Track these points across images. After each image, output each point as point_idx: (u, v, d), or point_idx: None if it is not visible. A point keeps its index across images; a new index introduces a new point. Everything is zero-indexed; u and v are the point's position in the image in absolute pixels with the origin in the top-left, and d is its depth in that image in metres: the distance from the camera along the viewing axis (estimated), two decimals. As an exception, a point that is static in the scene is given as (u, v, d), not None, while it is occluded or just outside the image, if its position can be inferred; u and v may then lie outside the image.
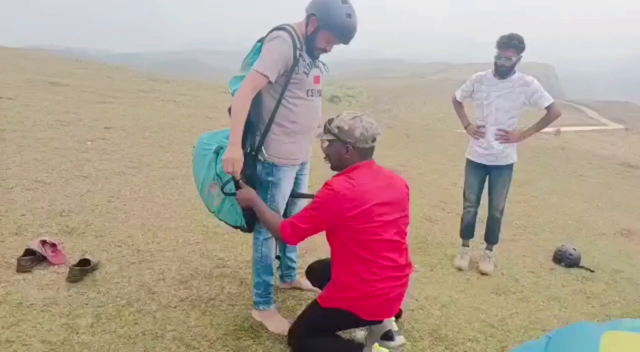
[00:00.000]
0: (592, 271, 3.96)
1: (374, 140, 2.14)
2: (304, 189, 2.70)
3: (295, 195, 2.62)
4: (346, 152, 2.12)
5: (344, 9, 2.24)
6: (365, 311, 2.12)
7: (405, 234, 2.22)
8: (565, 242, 4.40)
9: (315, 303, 2.25)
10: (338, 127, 2.11)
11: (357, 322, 2.21)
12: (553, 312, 3.19)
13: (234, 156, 2.23)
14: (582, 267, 4.00)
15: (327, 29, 2.27)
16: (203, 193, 2.54)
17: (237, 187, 2.33)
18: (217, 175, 2.42)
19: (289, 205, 2.58)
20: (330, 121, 2.17)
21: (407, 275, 2.22)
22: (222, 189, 2.40)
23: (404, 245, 2.21)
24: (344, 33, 2.29)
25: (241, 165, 2.26)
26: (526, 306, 3.23)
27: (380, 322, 2.28)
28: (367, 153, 2.16)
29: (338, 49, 2.44)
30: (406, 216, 2.23)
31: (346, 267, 2.11)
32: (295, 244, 2.43)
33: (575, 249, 4.07)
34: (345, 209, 2.01)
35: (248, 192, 2.30)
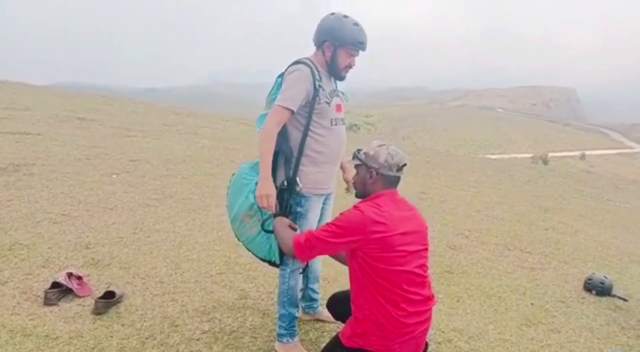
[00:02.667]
0: (625, 300, 3.81)
1: (399, 169, 2.13)
2: (328, 217, 2.69)
3: None
4: (370, 177, 2.13)
5: (349, 21, 2.34)
6: (387, 349, 2.02)
7: (427, 267, 2.16)
8: (595, 270, 4.27)
9: (337, 340, 2.17)
10: (365, 153, 2.15)
11: None
12: (586, 343, 3.07)
13: (268, 192, 2.25)
14: (614, 295, 3.86)
15: (343, 45, 2.35)
16: (235, 222, 2.51)
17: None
18: (257, 206, 2.37)
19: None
20: (359, 149, 2.20)
21: (431, 308, 2.14)
22: (262, 225, 2.37)
23: (427, 278, 2.14)
24: (360, 40, 2.36)
25: (274, 199, 2.27)
26: (557, 337, 3.12)
27: None
28: (391, 182, 2.14)
29: (355, 78, 2.49)
30: (427, 249, 2.17)
31: (368, 297, 2.02)
32: (305, 259, 2.17)
33: (606, 277, 3.94)
34: (371, 231, 1.97)
35: (281, 220, 2.30)
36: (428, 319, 2.11)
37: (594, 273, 4.03)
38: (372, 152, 2.13)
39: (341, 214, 2.06)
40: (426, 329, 2.11)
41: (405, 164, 2.14)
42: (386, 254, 1.99)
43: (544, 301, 3.69)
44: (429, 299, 2.12)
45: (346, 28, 2.33)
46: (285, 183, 2.37)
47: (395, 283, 1.99)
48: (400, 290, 2.00)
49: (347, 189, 2.69)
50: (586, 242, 5.58)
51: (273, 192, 2.27)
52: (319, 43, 2.39)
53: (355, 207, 2.07)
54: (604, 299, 3.81)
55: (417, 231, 2.11)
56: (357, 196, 2.23)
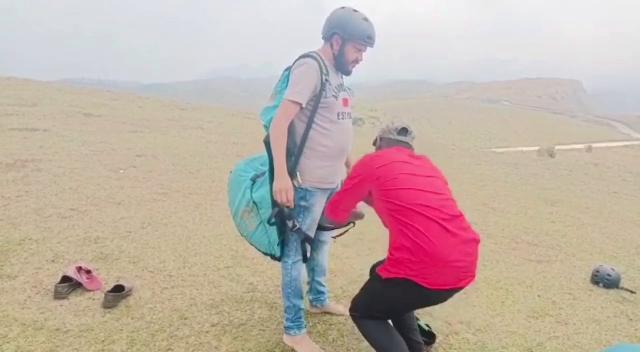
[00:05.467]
0: (633, 292, 3.80)
1: (399, 132, 2.35)
2: None
3: (336, 235, 2.68)
4: (376, 143, 2.46)
5: (359, 15, 2.34)
6: (427, 279, 1.97)
7: (450, 191, 2.20)
8: (602, 262, 4.26)
9: (375, 275, 2.18)
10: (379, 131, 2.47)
11: (421, 294, 2.02)
12: (593, 335, 3.07)
13: (285, 186, 2.26)
14: (622, 288, 3.85)
15: (352, 39, 2.34)
16: (236, 217, 2.57)
17: (283, 216, 2.34)
18: (253, 202, 2.44)
19: (316, 229, 2.58)
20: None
21: (468, 241, 2.05)
22: (268, 221, 2.38)
23: (451, 198, 2.16)
24: (369, 35, 2.36)
25: (292, 194, 2.29)
26: (564, 329, 3.12)
27: (447, 292, 2.06)
28: (391, 144, 2.35)
29: (360, 72, 2.50)
30: (442, 179, 2.25)
31: (397, 228, 2.05)
32: (343, 217, 2.35)
33: (613, 269, 3.93)
34: (374, 166, 2.18)
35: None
36: (469, 254, 2.03)
37: (601, 265, 4.02)
38: (383, 125, 2.44)
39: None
40: (466, 258, 2.02)
41: (403, 128, 2.36)
42: (398, 179, 2.11)
43: (551, 293, 3.68)
44: (469, 235, 2.06)
45: (356, 22, 2.32)
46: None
47: (415, 205, 2.03)
48: (420, 211, 2.03)
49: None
50: (593, 235, 5.56)
51: (290, 187, 2.27)
52: (328, 36, 2.38)
53: None
54: (611, 291, 3.81)
55: (425, 169, 2.24)
56: None
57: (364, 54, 2.44)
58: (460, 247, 2.01)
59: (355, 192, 2.24)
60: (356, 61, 2.43)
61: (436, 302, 2.15)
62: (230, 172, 2.62)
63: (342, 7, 2.38)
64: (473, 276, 2.07)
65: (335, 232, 2.74)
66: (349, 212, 2.31)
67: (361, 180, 2.20)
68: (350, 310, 2.27)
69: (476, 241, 2.08)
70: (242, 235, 2.61)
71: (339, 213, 2.30)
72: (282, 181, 2.26)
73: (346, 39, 2.34)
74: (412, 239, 1.99)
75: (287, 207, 2.30)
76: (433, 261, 1.96)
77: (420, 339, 2.38)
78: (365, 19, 2.35)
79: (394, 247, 2.06)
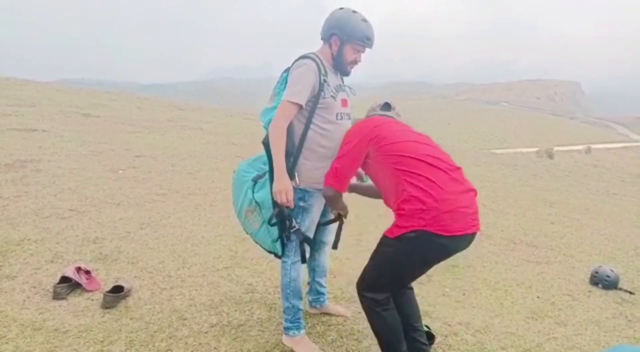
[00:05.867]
0: (632, 293, 3.80)
1: (382, 108, 2.45)
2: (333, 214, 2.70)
3: (323, 223, 2.64)
4: None
5: (357, 16, 2.35)
6: (441, 225, 1.97)
7: (451, 158, 2.20)
8: (601, 263, 4.26)
9: (383, 240, 2.15)
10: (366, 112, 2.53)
11: (436, 244, 2.02)
12: (592, 336, 3.07)
13: (284, 187, 2.26)
14: (620, 289, 3.85)
15: (351, 40, 2.35)
16: (241, 216, 2.58)
17: (283, 217, 2.34)
18: (255, 202, 2.45)
19: (317, 229, 2.59)
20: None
21: (470, 191, 2.11)
22: (269, 222, 2.40)
23: (446, 153, 2.19)
24: (368, 36, 2.37)
25: (292, 194, 2.29)
26: (563, 330, 3.12)
27: (461, 239, 2.06)
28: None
29: (358, 73, 2.51)
30: (439, 150, 2.23)
31: (400, 184, 2.06)
32: (344, 185, 2.29)
33: (612, 271, 3.93)
34: (368, 127, 2.25)
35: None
36: (471, 199, 2.09)
37: (600, 266, 4.02)
38: (368, 108, 2.53)
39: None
40: (472, 206, 2.07)
41: (386, 103, 2.46)
42: (395, 135, 2.19)
43: (550, 294, 3.69)
44: (465, 183, 2.13)
45: (355, 23, 2.33)
46: None
47: (417, 154, 2.10)
48: (423, 159, 2.08)
49: (358, 179, 2.73)
50: (592, 236, 5.57)
51: (290, 188, 2.28)
52: (327, 37, 2.38)
53: None
54: (610, 292, 3.81)
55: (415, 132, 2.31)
56: None
57: (362, 55, 2.45)
58: (466, 195, 2.07)
59: (354, 156, 2.23)
60: (355, 62, 2.44)
61: (450, 252, 2.12)
62: (234, 172, 2.63)
63: (341, 8, 2.38)
64: (479, 226, 2.11)
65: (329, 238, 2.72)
66: (349, 179, 2.30)
67: (358, 142, 2.21)
68: (360, 288, 2.23)
69: (475, 193, 2.15)
70: (247, 233, 2.62)
71: (341, 180, 2.25)
72: (282, 181, 2.26)
73: (345, 40, 2.34)
74: (421, 188, 2.00)
75: (287, 207, 2.30)
76: (444, 207, 1.97)
77: (425, 340, 2.38)
78: (364, 20, 2.35)
79: (401, 201, 2.04)
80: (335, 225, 2.66)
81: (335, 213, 2.58)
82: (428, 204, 1.97)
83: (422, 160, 2.08)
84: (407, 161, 2.08)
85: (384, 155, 2.15)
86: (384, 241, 2.15)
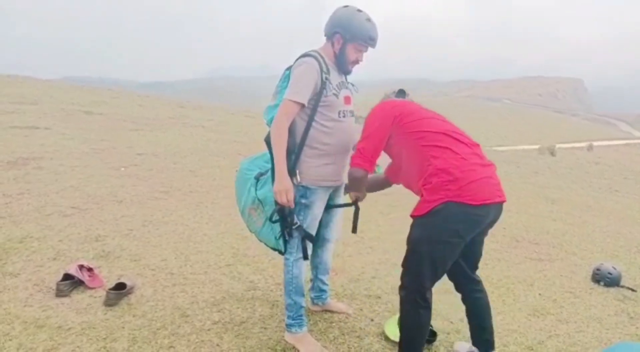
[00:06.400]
0: (634, 290, 3.80)
1: (397, 94, 2.52)
2: (340, 210, 2.70)
3: (337, 205, 2.63)
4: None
5: (362, 15, 2.34)
6: (470, 194, 2.01)
7: (466, 134, 2.25)
8: (603, 260, 4.25)
9: (413, 222, 2.16)
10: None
11: (467, 215, 2.04)
12: (594, 334, 3.07)
13: (285, 187, 2.25)
14: (622, 286, 3.85)
15: (353, 39, 2.34)
16: (244, 215, 2.59)
17: (284, 213, 2.34)
18: (258, 200, 2.46)
19: (320, 226, 2.59)
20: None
21: (491, 164, 2.19)
22: (270, 219, 2.41)
23: (475, 144, 2.23)
24: (371, 36, 2.36)
25: (293, 194, 2.28)
26: (565, 327, 3.12)
27: (490, 207, 2.11)
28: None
29: (361, 72, 2.50)
30: (457, 127, 2.28)
31: (425, 161, 2.10)
32: (371, 168, 2.29)
33: (614, 268, 3.93)
34: (390, 107, 2.28)
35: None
36: (494, 173, 2.18)
37: (602, 264, 4.02)
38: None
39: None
40: (495, 177, 2.16)
41: (401, 90, 2.53)
42: (417, 113, 2.25)
43: (552, 291, 3.69)
44: (480, 147, 2.25)
45: (359, 22, 2.32)
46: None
47: (440, 129, 2.17)
48: (446, 133, 2.16)
49: None
50: (594, 233, 5.56)
51: (291, 187, 2.27)
52: (330, 34, 2.38)
53: None
54: (612, 289, 3.81)
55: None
56: None
57: (364, 54, 2.44)
58: (488, 167, 2.14)
59: (379, 136, 2.24)
60: (356, 61, 2.43)
61: (480, 221, 2.13)
62: (237, 171, 2.63)
63: (346, 6, 2.37)
64: (505, 196, 2.17)
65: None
66: (377, 159, 2.29)
67: (381, 122, 2.24)
68: (404, 281, 2.20)
69: (495, 167, 2.22)
70: (251, 231, 2.62)
71: (368, 159, 2.25)
72: (282, 182, 2.25)
73: (348, 39, 2.34)
74: (447, 160, 2.06)
75: (288, 206, 2.30)
76: (470, 177, 2.03)
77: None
78: (368, 20, 2.34)
79: (428, 175, 2.08)
80: (339, 222, 2.66)
81: (353, 197, 2.58)
82: (454, 175, 2.02)
83: (446, 134, 2.15)
84: (431, 136, 2.14)
85: (407, 133, 2.19)
86: (415, 222, 2.16)
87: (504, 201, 2.15)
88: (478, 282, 2.42)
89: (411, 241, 2.17)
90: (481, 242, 2.34)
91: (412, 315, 2.19)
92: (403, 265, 2.22)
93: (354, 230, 2.69)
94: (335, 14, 2.37)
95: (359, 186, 2.43)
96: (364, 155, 2.24)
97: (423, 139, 2.14)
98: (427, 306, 2.18)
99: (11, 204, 4.20)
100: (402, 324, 2.24)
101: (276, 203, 2.35)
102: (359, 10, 2.35)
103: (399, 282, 2.23)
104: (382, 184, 2.66)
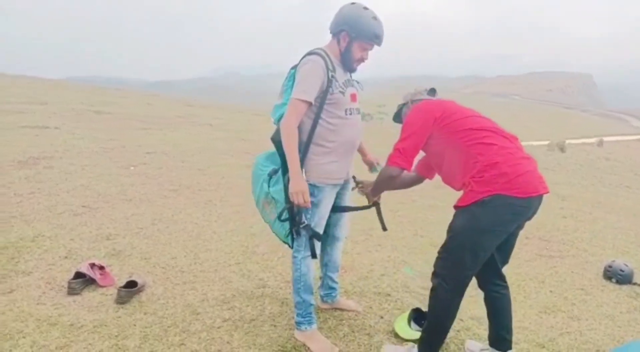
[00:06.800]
0: (646, 288, 3.76)
1: (429, 93, 2.49)
2: (347, 205, 2.70)
3: (339, 209, 2.63)
4: (405, 108, 2.51)
5: (368, 13, 2.32)
6: (518, 188, 2.06)
7: (506, 132, 2.27)
8: (615, 257, 4.22)
9: (455, 214, 2.20)
10: (402, 98, 2.56)
11: (514, 207, 2.09)
12: (606, 331, 3.05)
13: (301, 188, 2.25)
14: (635, 283, 3.82)
15: (360, 38, 2.33)
16: (259, 205, 2.59)
17: (293, 214, 2.35)
18: (271, 196, 2.45)
19: (329, 224, 2.58)
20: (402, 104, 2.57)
21: (531, 158, 2.22)
22: (279, 218, 2.41)
23: (511, 136, 2.26)
24: (377, 34, 2.35)
25: (309, 195, 2.28)
26: (577, 325, 3.10)
27: (536, 199, 2.16)
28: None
29: (368, 69, 2.50)
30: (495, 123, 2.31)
31: (471, 158, 2.14)
32: (410, 166, 2.32)
33: (627, 265, 3.89)
34: (428, 109, 2.28)
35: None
36: (532, 159, 2.22)
37: (614, 261, 3.98)
38: (407, 93, 2.58)
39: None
40: (537, 170, 2.19)
41: (432, 88, 2.52)
42: (459, 112, 2.25)
43: (563, 288, 3.66)
44: (518, 139, 2.29)
45: (365, 20, 2.30)
46: None
47: (484, 126, 2.20)
48: (491, 129, 2.20)
49: (370, 169, 2.77)
50: (605, 230, 5.51)
51: (306, 188, 2.27)
52: (336, 32, 2.36)
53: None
54: (624, 286, 3.77)
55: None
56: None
57: (370, 52, 2.43)
58: (531, 161, 2.19)
59: (420, 136, 2.25)
60: (361, 60, 2.42)
61: (525, 214, 2.19)
62: (253, 164, 2.64)
63: (353, 3, 2.35)
64: (548, 188, 2.21)
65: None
66: (413, 159, 2.31)
67: (423, 123, 2.24)
68: (438, 268, 2.22)
69: (536, 161, 2.25)
70: (265, 221, 2.62)
71: (407, 158, 2.27)
72: (299, 183, 2.25)
73: (354, 37, 2.32)
74: (495, 156, 2.10)
75: (304, 207, 2.30)
76: (517, 170, 2.08)
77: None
78: (375, 18, 2.32)
79: (477, 171, 2.11)
80: (347, 221, 2.67)
81: (372, 200, 2.64)
82: (503, 169, 2.07)
83: (489, 130, 2.19)
84: (476, 134, 2.16)
85: (451, 132, 2.20)
86: (460, 211, 2.18)
87: (547, 192, 2.20)
88: (504, 278, 2.45)
89: (455, 229, 2.18)
90: (516, 236, 2.38)
91: (446, 303, 2.22)
92: (441, 253, 2.23)
93: (384, 228, 2.75)
94: (342, 12, 2.36)
95: (388, 186, 2.48)
96: (404, 155, 2.26)
97: (468, 137, 2.17)
98: (461, 295, 2.22)
99: (23, 203, 4.24)
100: (432, 312, 2.27)
101: (285, 202, 2.35)
102: (365, 8, 2.33)
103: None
104: (412, 181, 2.68)
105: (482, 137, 2.16)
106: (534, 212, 2.23)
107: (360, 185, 2.70)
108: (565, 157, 15.87)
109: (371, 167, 2.75)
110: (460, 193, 2.24)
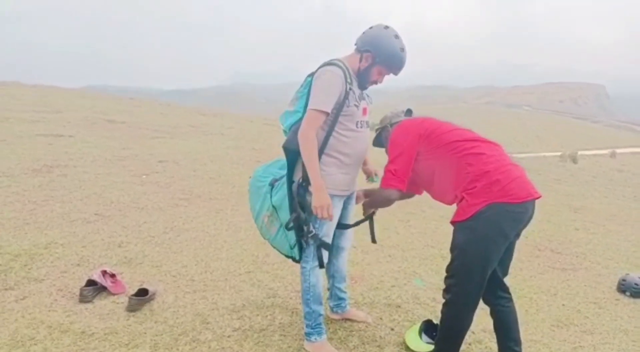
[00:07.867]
0: (662, 302, 3.70)
1: (406, 113, 2.61)
2: (350, 217, 2.71)
3: (343, 226, 2.64)
4: (384, 131, 2.58)
5: (398, 43, 2.32)
6: (511, 194, 2.08)
7: (490, 141, 2.31)
8: (629, 270, 4.16)
9: (454, 230, 2.21)
10: (380, 122, 2.64)
11: (509, 213, 2.10)
12: (620, 346, 3.00)
13: (326, 202, 2.26)
14: (650, 297, 3.75)
15: (383, 64, 2.35)
16: (258, 222, 2.59)
17: (300, 222, 2.35)
18: (272, 206, 2.46)
19: (335, 235, 2.58)
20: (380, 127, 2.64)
21: (519, 165, 2.24)
22: (286, 226, 2.42)
23: (495, 144, 2.30)
24: (399, 66, 2.38)
25: (332, 209, 2.30)
26: (591, 339, 3.05)
27: (529, 203, 2.16)
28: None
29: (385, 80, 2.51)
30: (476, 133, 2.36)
31: (462, 171, 2.16)
32: (403, 184, 2.33)
33: (641, 278, 3.83)
34: (414, 125, 2.36)
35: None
36: (519, 165, 2.24)
37: (628, 274, 3.92)
38: (382, 117, 2.66)
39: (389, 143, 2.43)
40: (525, 175, 2.21)
41: (409, 109, 2.64)
42: (443, 127, 2.32)
43: (576, 302, 3.61)
44: (501, 146, 2.33)
45: (393, 50, 2.32)
46: (302, 181, 2.36)
47: (468, 137, 2.25)
48: (475, 139, 2.25)
49: (368, 179, 2.79)
50: (619, 242, 5.44)
51: (330, 202, 2.27)
52: (362, 50, 2.36)
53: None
54: (639, 300, 3.71)
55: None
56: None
57: (385, 77, 2.45)
58: (517, 166, 2.21)
59: (408, 155, 2.29)
60: (375, 82, 2.45)
61: (522, 219, 2.18)
62: (250, 177, 2.65)
63: (386, 27, 2.35)
64: (539, 192, 2.21)
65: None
66: (407, 179, 2.33)
67: (409, 142, 2.30)
68: (449, 284, 2.23)
69: (522, 167, 2.28)
70: (264, 238, 2.63)
71: (402, 180, 2.31)
72: (322, 197, 2.25)
73: (377, 61, 2.34)
74: (485, 165, 2.13)
75: (328, 220, 2.32)
76: (508, 177, 2.11)
77: None
78: (402, 49, 2.34)
79: (469, 181, 2.13)
80: (351, 231, 2.72)
81: (369, 212, 2.65)
82: (494, 177, 2.09)
83: (475, 140, 2.23)
84: (462, 145, 2.20)
85: (436, 148, 2.24)
86: (459, 227, 2.19)
87: (540, 197, 2.19)
88: (507, 289, 2.42)
89: (458, 246, 2.19)
90: (514, 244, 2.35)
91: (459, 318, 2.24)
92: (449, 271, 2.24)
93: (374, 240, 2.75)
94: (373, 32, 2.36)
95: (384, 206, 2.52)
96: (397, 176, 2.30)
97: (456, 149, 2.20)
98: (473, 309, 2.22)
99: (36, 210, 4.30)
100: (444, 326, 2.28)
101: (293, 210, 2.36)
102: (397, 37, 2.33)
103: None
104: (400, 197, 2.68)
105: (470, 147, 2.19)
106: (530, 218, 2.22)
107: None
108: (577, 168, 15.71)
109: (369, 176, 2.79)
110: (453, 207, 2.25)
